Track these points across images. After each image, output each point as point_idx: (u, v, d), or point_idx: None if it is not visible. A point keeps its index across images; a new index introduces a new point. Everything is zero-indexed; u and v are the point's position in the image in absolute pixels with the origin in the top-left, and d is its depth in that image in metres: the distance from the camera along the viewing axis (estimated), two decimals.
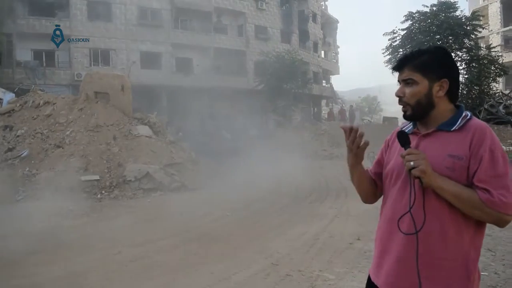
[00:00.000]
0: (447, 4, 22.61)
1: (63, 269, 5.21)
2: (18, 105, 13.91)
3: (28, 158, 11.52)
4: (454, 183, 1.59)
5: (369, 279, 1.91)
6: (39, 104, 13.69)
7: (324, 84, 41.64)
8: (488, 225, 1.66)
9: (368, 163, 1.89)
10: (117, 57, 26.63)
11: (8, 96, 16.17)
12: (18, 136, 12.41)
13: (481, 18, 26.01)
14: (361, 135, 1.81)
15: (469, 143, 1.62)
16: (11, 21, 22.90)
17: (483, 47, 25.04)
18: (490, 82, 23.02)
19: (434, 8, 22.63)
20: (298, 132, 24.71)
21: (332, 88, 44.70)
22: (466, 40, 22.59)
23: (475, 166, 1.59)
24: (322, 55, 43.77)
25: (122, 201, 10.27)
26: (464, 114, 1.70)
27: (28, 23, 24.25)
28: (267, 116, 28.46)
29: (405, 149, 1.67)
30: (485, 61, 22.43)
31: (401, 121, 2.03)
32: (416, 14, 22.83)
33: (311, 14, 38.16)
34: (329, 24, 46.32)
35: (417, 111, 1.74)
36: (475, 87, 22.22)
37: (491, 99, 21.75)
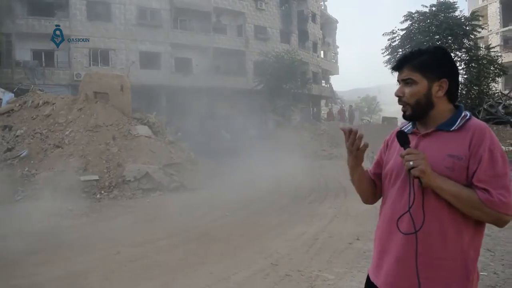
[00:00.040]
0: (446, 4, 22.60)
1: (62, 269, 5.21)
2: (17, 105, 13.91)
3: (27, 158, 11.51)
4: (453, 183, 1.59)
5: (368, 279, 1.91)
6: (38, 104, 13.68)
7: (323, 84, 41.64)
8: (487, 225, 1.66)
9: (367, 164, 1.89)
10: (116, 57, 26.61)
11: (7, 96, 16.16)
12: (17, 136, 12.40)
13: (480, 18, 25.99)
14: (361, 137, 1.81)
15: (469, 143, 1.62)
16: (10, 21, 22.88)
17: (482, 47, 25.05)
18: (490, 82, 23.00)
19: (434, 8, 22.61)
20: (298, 132, 24.71)
21: (332, 88, 44.70)
22: (465, 40, 22.59)
23: (475, 166, 1.59)
24: (322, 55, 43.75)
25: (122, 201, 10.27)
26: (463, 114, 1.71)
27: (27, 23, 24.21)
28: (266, 116, 28.47)
29: (405, 148, 1.67)
30: (485, 61, 22.42)
31: (401, 121, 2.04)
32: (416, 14, 22.82)
33: (310, 14, 38.15)
34: (328, 24, 46.32)
35: (416, 111, 1.74)
36: (474, 87, 22.21)
37: (491, 99, 21.74)
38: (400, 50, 22.54)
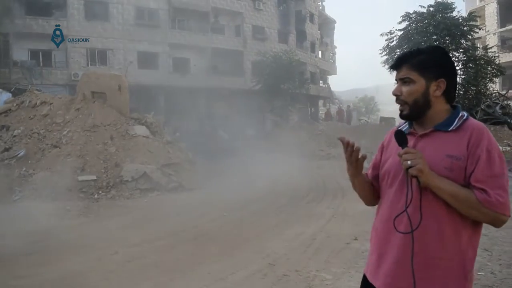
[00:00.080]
0: (444, 5, 22.67)
1: (60, 270, 5.19)
2: (14, 105, 13.86)
3: (25, 158, 11.47)
4: (451, 182, 1.60)
5: (364, 279, 1.90)
6: (36, 104, 13.64)
7: (321, 84, 41.71)
8: (484, 224, 1.67)
9: (365, 163, 1.89)
10: (114, 57, 26.59)
11: (5, 96, 16.13)
12: (14, 136, 12.35)
13: (477, 18, 26.08)
14: (358, 149, 1.82)
15: (467, 143, 1.62)
16: (8, 21, 22.85)
17: (480, 48, 25.13)
18: (487, 83, 23.08)
19: (431, 9, 22.68)
20: (295, 132, 24.72)
21: (329, 88, 44.74)
22: (463, 41, 22.65)
23: (472, 166, 1.60)
24: (320, 55, 43.81)
25: (119, 201, 10.24)
26: (460, 114, 1.71)
27: (25, 22, 24.17)
28: (264, 116, 28.46)
29: (403, 148, 1.67)
30: (482, 62, 22.50)
31: (398, 121, 2.04)
32: (413, 15, 22.88)
33: (308, 14, 38.18)
34: (326, 24, 46.37)
35: (413, 110, 1.75)
36: (472, 87, 22.28)
37: (488, 100, 21.79)
38: (398, 50, 22.62)
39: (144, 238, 6.67)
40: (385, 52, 23.80)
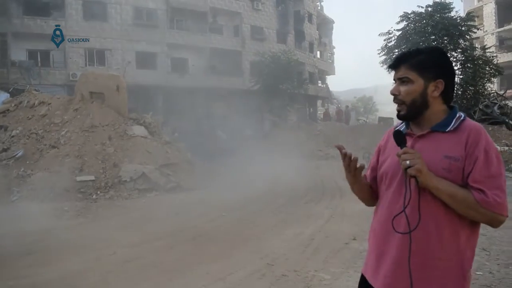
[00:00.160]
0: (442, 5, 22.72)
1: (59, 270, 5.18)
2: (13, 105, 13.84)
3: (23, 159, 11.46)
4: (449, 183, 1.60)
5: (362, 280, 1.90)
6: (34, 104, 13.63)
7: (320, 85, 41.68)
8: (482, 224, 1.67)
9: (364, 163, 1.89)
10: (112, 57, 26.53)
11: (3, 96, 16.09)
12: (12, 136, 12.33)
13: (476, 18, 26.15)
14: (356, 160, 1.83)
15: (465, 144, 1.62)
16: (6, 21, 22.78)
17: (478, 48, 25.17)
18: (485, 83, 23.14)
19: (429, 9, 22.72)
20: (294, 133, 24.73)
21: (328, 88, 44.74)
22: (461, 41, 22.72)
23: (470, 167, 1.60)
24: (318, 56, 43.83)
25: (118, 202, 10.24)
26: (458, 115, 1.71)
27: (23, 22, 24.08)
28: (262, 117, 28.43)
29: (401, 148, 1.67)
30: (480, 62, 22.55)
31: (396, 121, 2.04)
32: (412, 15, 22.93)
33: (306, 15, 38.18)
34: (324, 25, 46.38)
35: (411, 110, 1.75)
36: (470, 87, 22.33)
37: (486, 100, 21.85)
38: (396, 50, 22.67)
39: (142, 238, 6.67)
40: (384, 52, 23.85)
